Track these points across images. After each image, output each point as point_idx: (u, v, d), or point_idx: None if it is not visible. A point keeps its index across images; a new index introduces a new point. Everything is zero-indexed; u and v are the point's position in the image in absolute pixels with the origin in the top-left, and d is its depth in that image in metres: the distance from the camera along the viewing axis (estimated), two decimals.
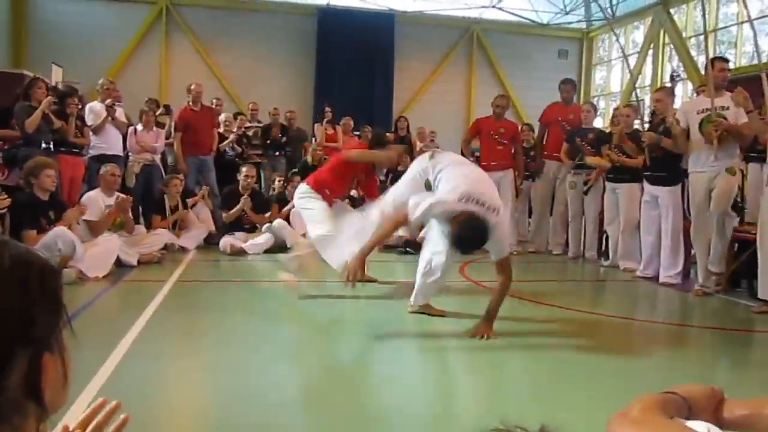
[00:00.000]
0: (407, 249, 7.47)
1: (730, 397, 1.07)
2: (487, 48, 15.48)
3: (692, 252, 6.08)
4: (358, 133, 10.11)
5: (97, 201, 5.93)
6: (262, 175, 9.17)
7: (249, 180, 7.37)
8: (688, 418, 0.99)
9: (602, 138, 7.13)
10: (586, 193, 7.33)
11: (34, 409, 0.68)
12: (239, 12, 14.12)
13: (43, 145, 6.35)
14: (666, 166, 5.92)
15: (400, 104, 14.62)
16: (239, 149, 8.68)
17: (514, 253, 7.50)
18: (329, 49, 14.18)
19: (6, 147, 6.98)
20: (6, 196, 3.34)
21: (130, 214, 6.31)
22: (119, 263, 5.59)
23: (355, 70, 14.17)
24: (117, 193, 6.18)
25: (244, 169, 7.47)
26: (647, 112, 11.61)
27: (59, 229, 5.06)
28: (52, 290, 0.70)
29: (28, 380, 0.66)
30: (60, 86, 7.86)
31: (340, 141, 9.64)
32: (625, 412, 0.93)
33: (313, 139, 9.37)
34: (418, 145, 10.23)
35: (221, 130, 8.65)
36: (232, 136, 8.73)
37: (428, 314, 4.22)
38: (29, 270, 0.68)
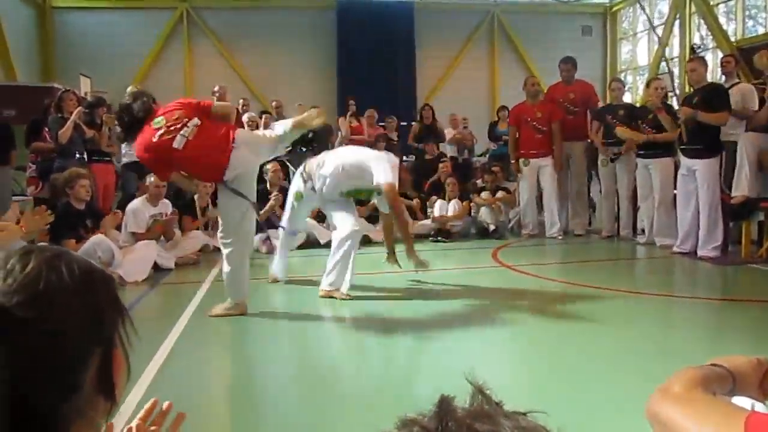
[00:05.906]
0: (438, 237, 7.47)
1: None
2: (508, 30, 15.28)
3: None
4: (383, 124, 10.11)
5: (142, 212, 5.94)
6: (290, 173, 9.21)
7: (272, 175, 7.31)
8: (732, 391, 0.97)
9: (634, 113, 6.98)
10: (613, 160, 7.19)
11: (102, 405, 0.73)
12: (259, 11, 14.18)
13: (77, 155, 6.49)
14: (703, 139, 5.78)
15: (423, 92, 14.53)
16: None
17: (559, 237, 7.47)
18: (350, 42, 14.16)
19: (39, 159, 7.15)
20: (47, 208, 3.40)
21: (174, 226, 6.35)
22: (157, 267, 5.68)
23: (377, 61, 14.13)
24: (165, 200, 6.19)
25: (268, 166, 7.41)
26: (677, 83, 11.36)
27: (97, 237, 5.19)
28: (113, 293, 0.78)
29: (102, 376, 0.72)
30: (88, 97, 8.00)
31: (365, 133, 9.66)
32: (666, 387, 0.90)
33: (339, 133, 9.39)
34: (450, 132, 10.20)
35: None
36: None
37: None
38: (93, 276, 0.75)
